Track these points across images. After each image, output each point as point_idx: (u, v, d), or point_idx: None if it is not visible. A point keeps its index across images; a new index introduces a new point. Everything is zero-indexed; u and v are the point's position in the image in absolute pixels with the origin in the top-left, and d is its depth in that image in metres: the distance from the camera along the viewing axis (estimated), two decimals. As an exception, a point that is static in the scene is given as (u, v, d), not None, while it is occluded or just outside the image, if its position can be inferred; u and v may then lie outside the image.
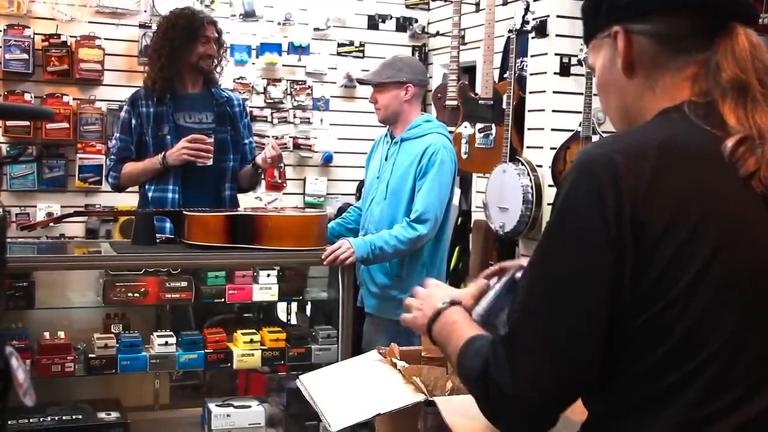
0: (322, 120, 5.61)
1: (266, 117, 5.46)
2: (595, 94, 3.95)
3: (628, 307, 1.10)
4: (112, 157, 3.78)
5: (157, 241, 3.17)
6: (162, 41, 3.74)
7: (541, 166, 4.15)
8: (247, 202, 3.99)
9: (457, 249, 4.83)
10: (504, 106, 4.21)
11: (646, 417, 1.12)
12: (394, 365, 2.13)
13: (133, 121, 3.69)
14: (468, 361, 1.23)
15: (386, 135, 3.74)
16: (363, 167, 3.95)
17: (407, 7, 5.83)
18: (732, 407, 1.10)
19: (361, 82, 3.79)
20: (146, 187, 3.70)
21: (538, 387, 1.12)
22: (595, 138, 3.94)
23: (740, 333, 1.10)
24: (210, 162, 3.57)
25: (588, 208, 1.10)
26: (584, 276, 1.10)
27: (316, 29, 5.56)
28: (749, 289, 1.11)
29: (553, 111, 4.18)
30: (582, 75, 3.99)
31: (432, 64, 5.81)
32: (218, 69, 3.83)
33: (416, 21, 5.81)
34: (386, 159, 3.65)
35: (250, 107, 5.37)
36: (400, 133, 3.61)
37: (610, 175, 1.09)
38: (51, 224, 4.42)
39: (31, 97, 4.87)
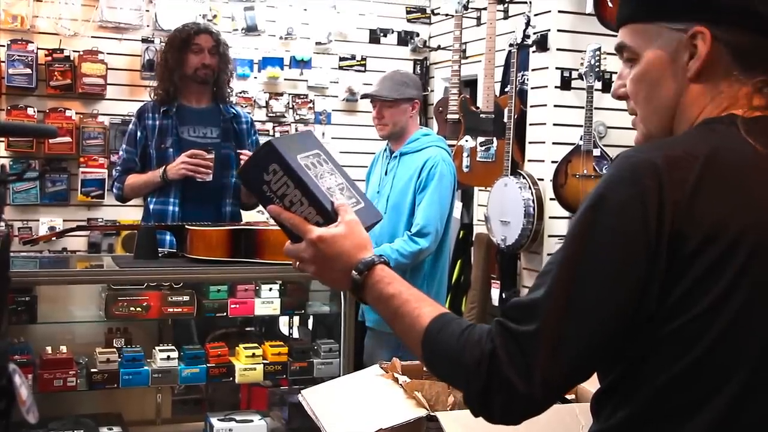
0: (324, 133, 5.62)
1: (268, 131, 5.47)
2: (596, 108, 3.97)
3: (653, 316, 1.09)
4: (118, 168, 3.83)
5: (159, 255, 3.17)
6: (161, 55, 3.83)
7: (542, 180, 4.16)
8: (249, 216, 3.99)
9: (459, 262, 4.84)
10: (505, 119, 4.22)
11: (670, 427, 1.11)
12: (396, 380, 2.13)
13: (139, 134, 3.73)
14: (447, 347, 1.18)
15: (385, 149, 3.76)
16: (364, 181, 3.96)
17: (409, 21, 5.85)
18: (760, 422, 1.10)
19: (374, 97, 3.64)
20: (148, 199, 3.74)
21: (551, 385, 1.11)
22: (596, 152, 3.95)
23: None
24: (209, 178, 3.58)
25: (630, 213, 1.08)
26: (616, 281, 1.09)
27: (317, 43, 5.58)
28: None
29: (554, 125, 4.19)
30: (582, 89, 4.00)
31: (433, 77, 5.83)
32: (221, 81, 3.80)
33: (417, 35, 5.84)
34: (386, 173, 3.67)
35: (251, 121, 5.40)
36: (399, 147, 3.63)
37: (655, 183, 1.07)
38: (53, 238, 4.42)
39: (34, 112, 4.89)
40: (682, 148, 1.13)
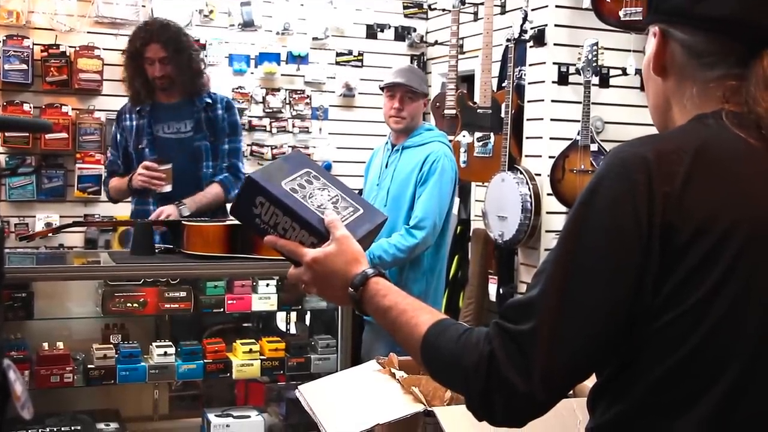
0: (320, 129, 5.62)
1: (265, 126, 5.47)
2: (593, 103, 3.97)
3: (647, 310, 1.09)
4: (105, 171, 3.84)
5: (156, 251, 3.16)
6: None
7: (539, 175, 4.16)
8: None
9: (456, 258, 4.83)
10: (502, 114, 4.22)
11: (664, 422, 1.11)
12: (393, 375, 2.13)
13: (119, 136, 3.76)
14: (446, 352, 1.18)
15: (386, 143, 3.76)
16: (362, 176, 3.96)
17: (406, 16, 5.84)
18: (752, 416, 1.09)
19: (405, 87, 3.56)
20: (131, 200, 3.75)
21: (551, 383, 1.11)
22: (593, 147, 3.95)
23: (763, 340, 1.09)
24: (168, 188, 3.52)
25: (621, 207, 1.08)
26: (609, 275, 1.09)
27: (314, 39, 5.57)
28: None
29: (552, 120, 4.19)
30: (580, 84, 3.99)
31: (431, 73, 5.83)
32: (184, 80, 3.67)
33: (415, 30, 5.83)
34: (386, 166, 3.66)
35: (248, 117, 5.38)
36: (401, 141, 3.63)
37: (644, 176, 1.08)
38: (50, 234, 4.41)
39: (30, 108, 4.88)
40: (672, 142, 1.14)
